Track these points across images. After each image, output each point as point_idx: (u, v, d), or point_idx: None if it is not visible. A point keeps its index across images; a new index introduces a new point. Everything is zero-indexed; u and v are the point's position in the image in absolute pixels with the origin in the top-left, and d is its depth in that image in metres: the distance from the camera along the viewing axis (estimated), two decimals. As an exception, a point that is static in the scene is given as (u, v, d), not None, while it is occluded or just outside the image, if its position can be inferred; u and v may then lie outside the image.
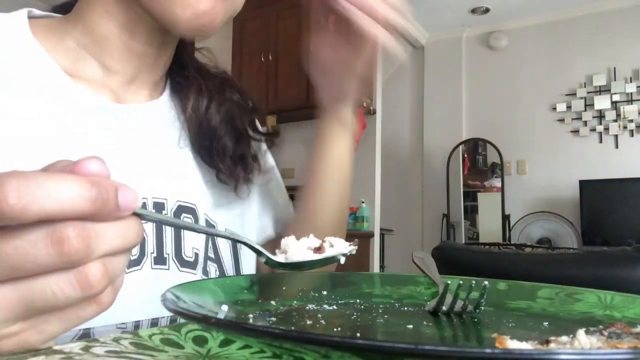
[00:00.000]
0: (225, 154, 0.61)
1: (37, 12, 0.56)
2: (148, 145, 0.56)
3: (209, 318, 0.24)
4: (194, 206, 0.57)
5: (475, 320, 0.38)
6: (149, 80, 0.58)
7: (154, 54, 0.56)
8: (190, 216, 0.57)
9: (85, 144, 0.51)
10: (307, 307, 0.40)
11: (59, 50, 0.52)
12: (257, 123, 0.70)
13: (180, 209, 0.56)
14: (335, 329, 0.34)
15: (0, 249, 0.23)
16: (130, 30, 0.52)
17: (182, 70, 0.63)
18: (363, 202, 3.52)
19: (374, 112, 3.62)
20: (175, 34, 0.52)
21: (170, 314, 0.29)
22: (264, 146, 0.71)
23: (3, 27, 0.51)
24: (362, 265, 3.45)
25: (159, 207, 0.54)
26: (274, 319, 0.36)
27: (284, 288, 0.43)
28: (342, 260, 0.38)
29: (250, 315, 0.36)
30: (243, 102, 0.68)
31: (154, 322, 0.42)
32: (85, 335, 0.35)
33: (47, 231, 0.23)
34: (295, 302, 0.42)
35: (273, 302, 0.40)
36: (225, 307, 0.35)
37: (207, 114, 0.60)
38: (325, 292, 0.44)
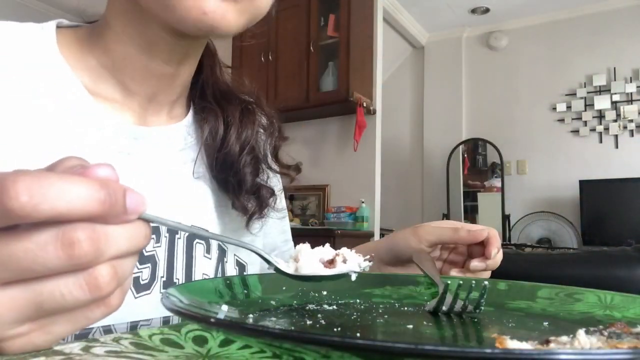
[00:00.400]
0: (241, 187, 0.59)
1: (65, 22, 0.55)
2: (166, 169, 0.56)
3: (209, 318, 0.24)
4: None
5: (475, 320, 0.38)
6: (166, 100, 0.57)
7: (172, 74, 0.54)
8: (202, 242, 0.57)
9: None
10: (307, 307, 0.40)
11: (82, 67, 0.52)
12: (285, 154, 0.68)
13: (194, 235, 0.56)
14: (335, 329, 0.34)
15: (10, 250, 0.23)
16: (148, 51, 0.51)
17: (204, 93, 0.61)
18: (363, 202, 3.52)
19: (374, 112, 3.62)
20: (190, 33, 0.48)
21: (170, 314, 0.29)
22: (281, 182, 0.68)
23: (33, 39, 0.51)
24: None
25: (173, 231, 0.54)
26: (274, 319, 0.36)
27: (284, 288, 0.43)
28: (354, 277, 0.37)
29: (250, 315, 0.36)
30: (270, 129, 0.65)
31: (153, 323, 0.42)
32: (85, 335, 0.35)
33: (57, 233, 0.23)
34: (295, 302, 0.42)
35: (273, 302, 0.40)
36: (225, 307, 0.35)
37: (224, 145, 0.58)
38: (325, 292, 0.44)
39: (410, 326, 0.35)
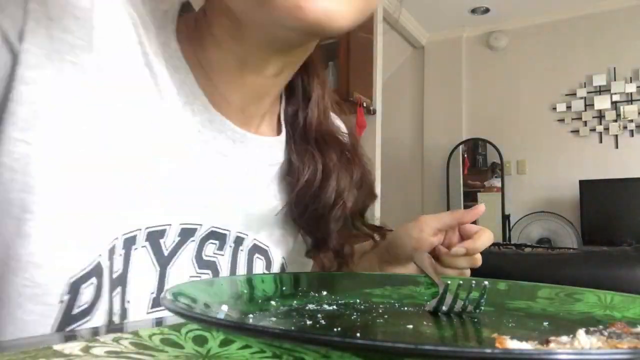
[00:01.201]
0: (326, 245, 0.55)
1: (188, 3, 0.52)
2: (249, 178, 0.53)
3: (209, 318, 0.24)
4: (267, 248, 0.56)
5: (475, 320, 0.38)
6: (257, 113, 0.54)
7: (265, 86, 0.51)
8: (262, 258, 0.56)
9: (188, 160, 0.48)
10: (307, 307, 0.40)
11: (193, 62, 0.49)
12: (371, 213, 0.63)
13: (255, 249, 0.55)
14: (335, 329, 0.34)
15: None
16: (244, 63, 0.48)
17: (307, 132, 0.56)
18: (363, 202, 3.52)
19: (374, 112, 3.62)
20: (291, 28, 0.40)
21: (170, 314, 0.29)
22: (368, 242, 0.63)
23: (155, 27, 0.47)
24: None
25: (239, 241, 0.53)
26: (274, 319, 0.36)
27: (284, 288, 0.43)
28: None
29: (250, 315, 0.36)
30: (362, 183, 0.58)
31: (154, 323, 0.42)
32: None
33: None
34: (295, 302, 0.42)
35: (273, 302, 0.40)
36: (225, 307, 0.35)
37: (317, 199, 0.53)
38: (325, 292, 0.44)
39: (410, 326, 0.35)
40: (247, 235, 0.54)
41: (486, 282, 0.40)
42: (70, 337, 0.32)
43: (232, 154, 0.51)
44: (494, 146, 4.59)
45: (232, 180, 0.52)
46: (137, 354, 0.28)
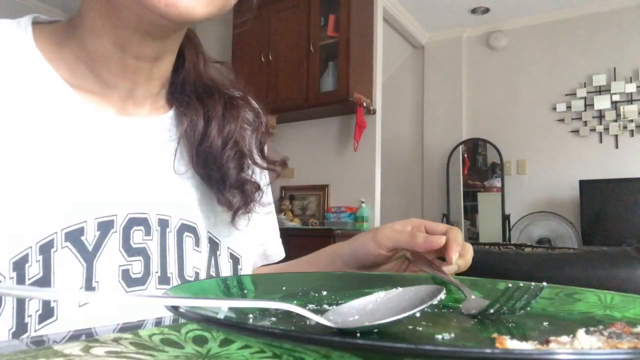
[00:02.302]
0: (225, 182, 0.58)
1: (43, 17, 0.56)
2: (148, 161, 0.56)
3: (209, 318, 0.24)
4: (195, 225, 0.57)
5: (476, 320, 0.38)
6: (147, 94, 0.57)
7: (148, 67, 0.54)
8: (191, 235, 0.57)
9: (86, 156, 0.51)
10: (307, 307, 0.40)
11: (60, 62, 0.52)
12: (268, 149, 0.67)
13: (184, 228, 0.56)
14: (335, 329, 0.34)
15: None
16: (122, 47, 0.51)
17: (185, 88, 0.60)
18: (363, 202, 3.52)
19: (374, 112, 3.62)
20: (156, 16, 0.46)
21: (170, 313, 0.29)
22: (268, 176, 0.67)
23: (9, 35, 0.51)
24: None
25: (164, 224, 0.54)
26: (274, 319, 0.36)
27: (284, 288, 0.43)
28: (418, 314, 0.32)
29: (250, 315, 0.36)
30: (255, 124, 0.64)
31: (154, 323, 0.42)
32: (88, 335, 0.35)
33: None
34: (295, 302, 0.42)
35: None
36: (225, 307, 0.34)
37: (204, 140, 0.58)
38: (325, 292, 0.44)
39: (410, 326, 0.35)
40: (170, 216, 0.55)
41: (544, 284, 0.37)
42: (70, 337, 0.32)
43: (123, 141, 0.54)
44: (494, 146, 4.59)
45: (132, 166, 0.54)
46: (137, 354, 0.28)
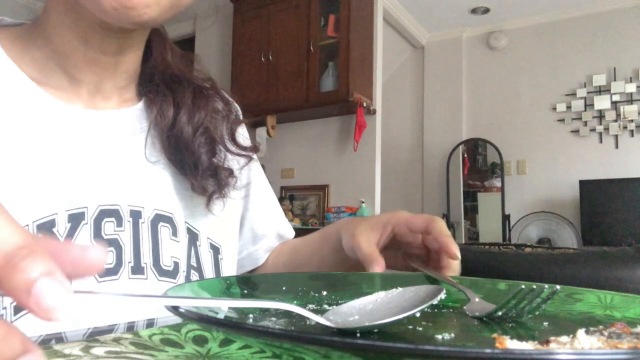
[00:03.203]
0: (197, 168, 0.59)
1: (7, 20, 0.57)
2: (119, 153, 0.56)
3: (209, 318, 0.24)
4: (171, 215, 0.57)
5: (476, 320, 0.38)
6: (114, 87, 0.58)
7: (113, 61, 0.55)
8: (167, 225, 0.57)
9: (55, 149, 0.51)
10: (307, 307, 0.40)
11: (26, 60, 0.53)
12: (241, 135, 0.68)
13: (158, 218, 0.56)
14: (335, 329, 0.34)
15: None
16: (86, 42, 0.52)
17: (153, 78, 0.61)
18: (363, 202, 3.52)
19: (374, 112, 3.62)
20: (108, 19, 0.48)
21: (170, 313, 0.29)
22: (243, 160, 0.68)
23: None
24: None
25: (136, 215, 0.54)
26: (274, 319, 0.36)
27: (284, 288, 0.43)
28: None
29: (250, 315, 0.36)
30: (225, 112, 0.65)
31: (154, 322, 0.42)
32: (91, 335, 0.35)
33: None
34: (295, 302, 0.42)
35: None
36: (225, 307, 0.34)
37: (174, 126, 0.59)
38: (325, 292, 0.44)
39: (410, 326, 0.35)
40: (143, 207, 0.55)
41: (558, 287, 0.36)
42: (70, 337, 0.32)
43: (92, 134, 0.54)
44: (494, 146, 4.59)
45: (103, 158, 0.54)
46: (137, 354, 0.28)
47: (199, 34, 4.54)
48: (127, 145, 0.58)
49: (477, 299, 0.40)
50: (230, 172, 0.63)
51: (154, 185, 0.58)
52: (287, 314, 0.38)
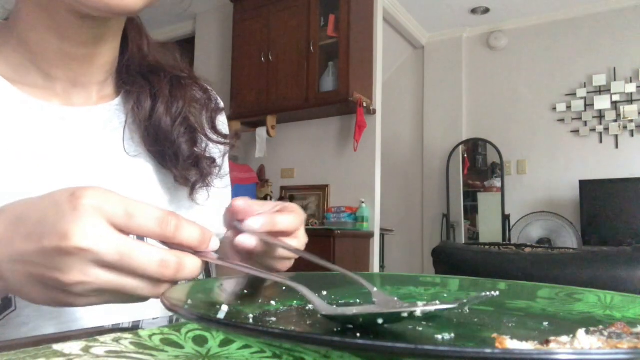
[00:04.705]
0: (178, 158, 0.59)
1: None
2: (99, 149, 0.56)
3: (209, 318, 0.24)
4: None
5: (476, 320, 0.38)
6: (92, 82, 0.57)
7: (89, 55, 0.54)
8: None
9: (31, 147, 0.51)
10: (307, 307, 0.40)
11: (0, 60, 0.52)
12: (221, 123, 0.67)
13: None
14: (335, 329, 0.34)
15: (132, 253, 0.32)
16: (61, 34, 0.51)
17: (130, 69, 0.61)
18: (363, 202, 3.52)
19: (374, 112, 3.62)
20: (89, 10, 0.47)
21: (170, 313, 0.29)
22: (224, 149, 0.68)
23: None
24: (362, 265, 3.45)
25: None
26: (274, 319, 0.36)
27: (284, 288, 0.43)
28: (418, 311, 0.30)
29: (250, 315, 0.36)
30: (204, 100, 0.65)
31: (154, 322, 0.42)
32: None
33: (162, 258, 0.33)
34: (295, 302, 0.42)
35: (273, 302, 0.40)
36: (225, 307, 0.35)
37: (152, 117, 0.58)
38: (325, 292, 0.44)
39: (410, 326, 0.35)
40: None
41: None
42: (70, 337, 0.32)
43: (70, 130, 0.54)
44: (494, 146, 4.59)
45: (81, 154, 0.54)
46: (137, 354, 0.28)
47: (199, 34, 4.54)
48: (107, 140, 0.57)
49: (375, 289, 0.37)
50: (213, 161, 0.63)
51: (136, 179, 0.58)
52: (287, 314, 0.38)
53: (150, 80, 0.60)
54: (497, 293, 0.38)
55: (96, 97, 0.58)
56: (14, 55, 0.52)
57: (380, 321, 0.30)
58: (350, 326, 0.31)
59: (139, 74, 0.60)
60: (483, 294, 0.39)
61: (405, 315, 0.29)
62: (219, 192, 0.67)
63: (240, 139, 0.73)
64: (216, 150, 0.66)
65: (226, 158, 0.70)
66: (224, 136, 0.66)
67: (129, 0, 0.45)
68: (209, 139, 0.63)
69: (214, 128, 0.65)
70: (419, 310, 0.29)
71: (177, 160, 0.59)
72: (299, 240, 0.47)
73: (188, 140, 0.60)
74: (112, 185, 0.55)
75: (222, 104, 0.69)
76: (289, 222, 0.45)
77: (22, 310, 0.47)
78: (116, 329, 0.38)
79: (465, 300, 0.37)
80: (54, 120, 0.53)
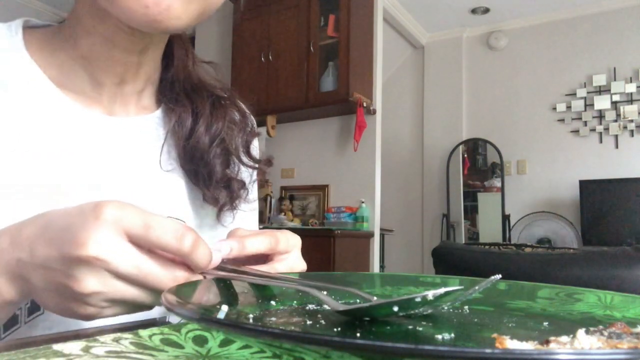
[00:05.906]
0: (211, 178, 0.59)
1: (34, 21, 0.57)
2: (136, 160, 0.57)
3: (209, 318, 0.24)
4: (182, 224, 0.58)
5: (476, 320, 0.38)
6: (133, 90, 0.58)
7: (136, 61, 0.55)
8: None
9: (72, 154, 0.52)
10: (307, 307, 0.40)
11: (52, 63, 0.53)
12: (255, 148, 0.68)
13: None
14: (335, 329, 0.34)
15: (146, 267, 0.34)
16: (112, 42, 0.52)
17: (174, 86, 0.61)
18: (363, 202, 3.52)
19: (374, 112, 3.62)
20: (137, 27, 0.47)
21: (170, 313, 0.29)
22: (254, 175, 0.68)
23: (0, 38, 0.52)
24: (362, 265, 3.45)
25: None
26: (274, 319, 0.36)
27: (283, 288, 0.43)
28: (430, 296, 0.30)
29: (250, 315, 0.36)
30: (242, 124, 0.65)
31: (154, 322, 0.42)
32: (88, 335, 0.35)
33: (173, 275, 0.36)
34: (295, 302, 0.42)
35: (273, 302, 0.40)
36: (225, 307, 0.34)
37: (192, 136, 0.59)
38: (325, 292, 0.44)
39: (410, 326, 0.34)
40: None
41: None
42: (70, 337, 0.32)
43: (110, 140, 0.55)
44: (494, 146, 4.59)
45: (118, 165, 0.55)
46: (137, 354, 0.28)
47: (199, 34, 4.54)
48: (143, 152, 0.58)
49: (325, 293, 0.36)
50: (243, 185, 0.63)
51: (168, 194, 0.58)
52: (287, 314, 0.38)
53: (193, 99, 0.61)
54: (500, 276, 0.37)
55: (135, 107, 0.59)
56: (66, 59, 0.53)
57: (395, 309, 0.30)
58: (367, 319, 0.32)
59: (182, 91, 0.61)
60: (485, 281, 0.38)
61: (419, 300, 0.30)
62: (244, 215, 0.67)
63: (272, 166, 0.72)
64: (246, 174, 0.66)
65: (255, 184, 0.69)
66: (257, 161, 0.66)
67: (174, 20, 0.45)
68: (242, 163, 0.64)
69: (247, 152, 0.65)
70: (430, 294, 0.30)
71: (210, 180, 0.59)
72: (286, 263, 0.46)
73: (223, 162, 0.60)
74: (144, 196, 0.55)
75: (257, 129, 0.69)
76: (259, 244, 0.43)
77: (49, 315, 0.47)
78: (116, 329, 0.38)
79: (472, 289, 0.37)
80: (95, 128, 0.54)
